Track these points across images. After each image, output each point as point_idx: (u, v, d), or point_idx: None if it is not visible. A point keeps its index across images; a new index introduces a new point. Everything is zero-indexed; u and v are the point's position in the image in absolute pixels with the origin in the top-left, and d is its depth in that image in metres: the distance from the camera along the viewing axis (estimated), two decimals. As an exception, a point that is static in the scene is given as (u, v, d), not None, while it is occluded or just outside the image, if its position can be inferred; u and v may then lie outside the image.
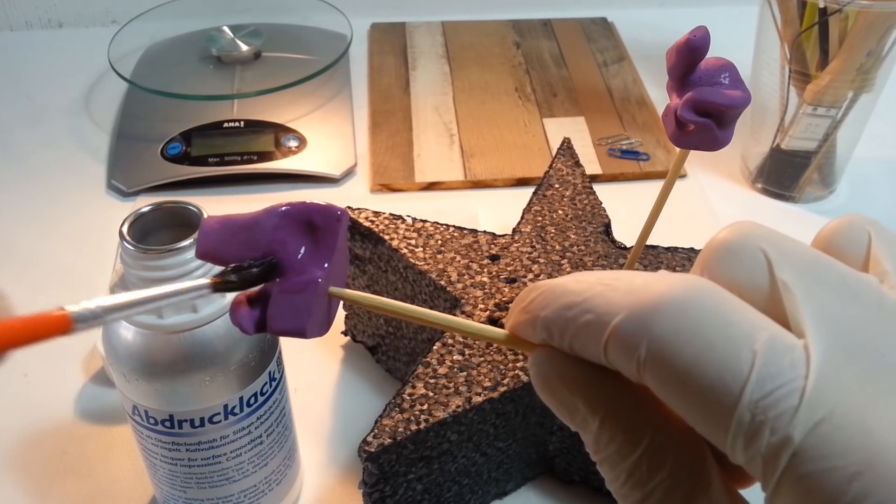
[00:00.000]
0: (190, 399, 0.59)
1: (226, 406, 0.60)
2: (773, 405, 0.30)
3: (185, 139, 1.11)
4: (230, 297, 0.57)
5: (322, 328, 0.42)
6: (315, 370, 0.85)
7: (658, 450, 0.34)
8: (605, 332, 0.33)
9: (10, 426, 0.79)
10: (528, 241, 0.77)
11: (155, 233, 0.57)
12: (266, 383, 0.62)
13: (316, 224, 0.41)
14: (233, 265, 0.40)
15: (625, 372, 0.33)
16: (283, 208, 0.42)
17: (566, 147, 0.89)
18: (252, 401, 0.61)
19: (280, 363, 0.65)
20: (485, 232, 0.77)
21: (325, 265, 0.41)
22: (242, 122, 1.13)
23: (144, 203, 0.58)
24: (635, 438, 0.34)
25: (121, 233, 0.54)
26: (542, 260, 0.75)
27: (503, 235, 0.77)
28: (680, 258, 0.76)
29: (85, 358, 0.85)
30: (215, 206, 1.01)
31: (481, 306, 0.70)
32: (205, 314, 0.56)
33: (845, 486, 0.29)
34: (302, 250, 0.41)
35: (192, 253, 0.54)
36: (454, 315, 0.70)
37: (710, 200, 1.10)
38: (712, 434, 0.31)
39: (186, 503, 0.66)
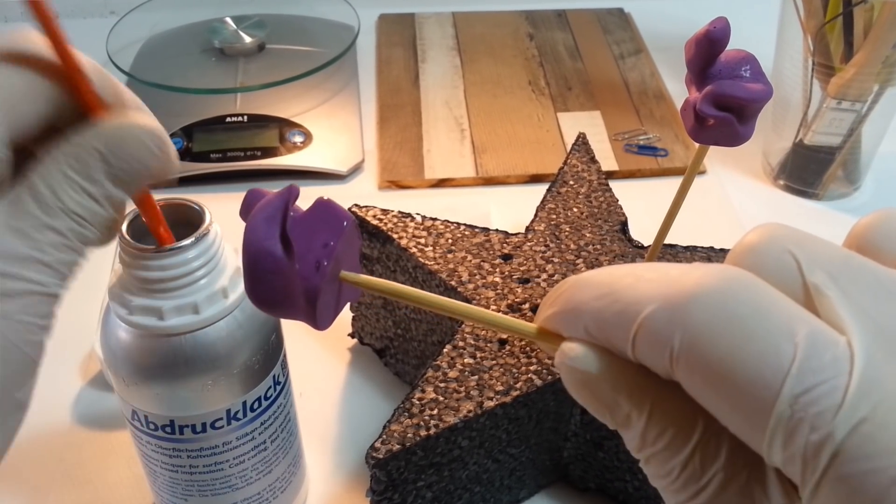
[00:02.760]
0: (191, 404, 0.59)
1: (228, 411, 0.60)
2: (814, 401, 0.29)
3: (186, 134, 1.11)
4: (233, 297, 0.57)
5: (327, 315, 0.42)
6: (321, 374, 0.86)
7: (711, 440, 0.33)
8: (635, 324, 0.33)
9: (5, 432, 0.80)
10: (541, 239, 0.77)
11: (154, 232, 0.57)
12: (270, 387, 0.62)
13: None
14: None
15: (654, 366, 0.33)
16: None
17: (581, 142, 0.89)
18: (256, 405, 0.62)
19: (285, 366, 0.65)
20: (497, 230, 0.77)
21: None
22: (246, 117, 1.13)
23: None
24: (687, 430, 0.34)
25: (119, 232, 0.54)
26: (556, 259, 0.75)
27: (516, 234, 0.77)
28: (699, 257, 0.76)
29: (82, 361, 0.85)
30: (217, 203, 1.01)
31: (493, 308, 0.70)
32: (207, 315, 0.56)
33: (890, 488, 0.28)
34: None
35: (194, 252, 0.54)
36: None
37: (730, 198, 1.09)
38: (748, 431, 0.31)
39: (188, 511, 0.66)
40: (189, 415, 0.59)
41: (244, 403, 0.60)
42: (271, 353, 0.61)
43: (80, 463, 0.77)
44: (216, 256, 0.56)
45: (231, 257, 0.58)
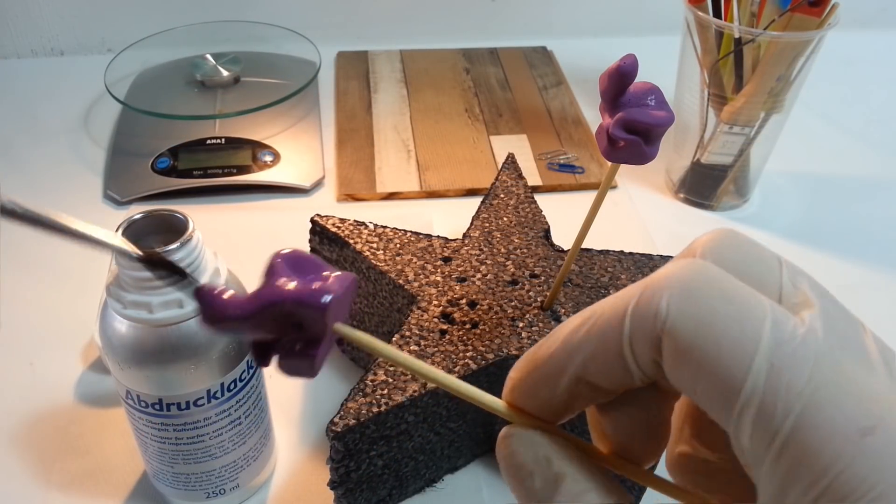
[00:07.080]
0: (177, 385, 0.58)
1: (209, 391, 0.60)
2: (790, 362, 0.28)
3: (172, 154, 1.10)
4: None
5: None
6: (288, 359, 0.85)
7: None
8: (627, 316, 0.31)
9: (16, 409, 0.79)
10: (476, 244, 0.77)
11: (145, 237, 0.57)
12: (244, 371, 0.62)
13: (304, 320, 0.40)
14: (161, 254, 0.39)
15: (645, 339, 0.30)
16: (279, 301, 0.39)
17: (510, 161, 0.90)
18: (232, 386, 0.61)
19: (257, 353, 0.64)
20: (438, 236, 0.77)
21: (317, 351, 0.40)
22: (223, 140, 1.13)
23: (136, 211, 0.57)
24: (608, 489, 0.33)
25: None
26: (489, 261, 0.75)
27: (455, 239, 0.77)
28: (612, 260, 0.76)
29: (84, 348, 0.84)
30: (200, 213, 1.00)
31: (435, 302, 0.70)
32: (190, 310, 0.56)
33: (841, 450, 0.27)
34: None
35: (178, 255, 0.54)
36: (412, 310, 0.70)
37: (637, 209, 1.10)
38: (720, 400, 0.29)
39: (174, 477, 0.66)
40: (175, 394, 0.59)
41: (222, 384, 0.60)
42: (245, 342, 0.61)
43: (81, 435, 0.76)
44: (198, 259, 0.56)
45: (210, 259, 0.58)
